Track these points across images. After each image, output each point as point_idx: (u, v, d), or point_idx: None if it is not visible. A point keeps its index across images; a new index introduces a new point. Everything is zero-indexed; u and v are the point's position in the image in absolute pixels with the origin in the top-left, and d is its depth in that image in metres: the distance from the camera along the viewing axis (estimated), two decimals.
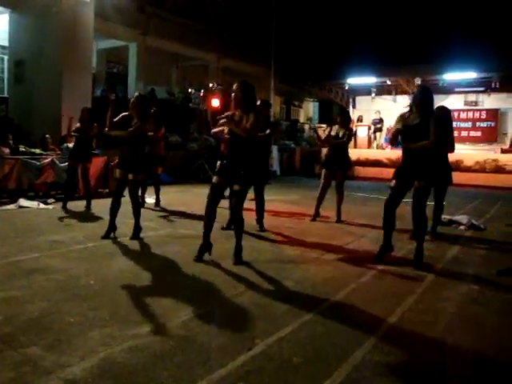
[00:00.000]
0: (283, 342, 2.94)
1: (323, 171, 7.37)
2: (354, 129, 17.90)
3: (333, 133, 7.28)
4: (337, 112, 24.39)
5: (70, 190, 8.33)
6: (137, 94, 6.15)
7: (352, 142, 8.25)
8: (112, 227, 5.73)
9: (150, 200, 8.70)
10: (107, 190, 9.59)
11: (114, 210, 5.69)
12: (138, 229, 5.77)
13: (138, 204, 5.87)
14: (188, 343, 2.86)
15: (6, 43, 13.06)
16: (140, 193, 7.20)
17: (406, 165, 4.93)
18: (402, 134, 4.91)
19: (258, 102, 6.47)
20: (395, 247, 5.20)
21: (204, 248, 4.78)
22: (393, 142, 5.17)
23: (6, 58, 13.70)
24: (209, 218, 4.75)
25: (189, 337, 2.95)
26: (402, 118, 4.92)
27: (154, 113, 7.58)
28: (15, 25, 12.38)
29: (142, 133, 5.72)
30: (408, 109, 4.98)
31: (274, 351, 2.81)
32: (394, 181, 4.97)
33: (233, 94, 4.78)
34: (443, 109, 6.17)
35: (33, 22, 11.76)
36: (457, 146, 6.81)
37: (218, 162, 4.82)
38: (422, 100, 4.81)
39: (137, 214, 5.76)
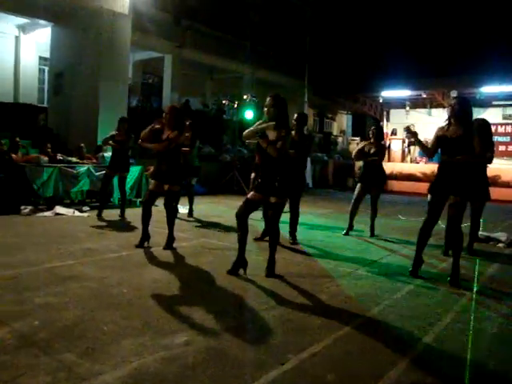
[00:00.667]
0: (316, 357, 2.89)
1: (358, 185, 7.25)
2: (388, 142, 17.73)
3: (366, 149, 7.17)
4: (370, 125, 24.29)
5: (105, 198, 8.46)
6: (170, 105, 6.21)
7: (386, 156, 8.10)
8: (145, 236, 5.79)
9: (183, 210, 8.76)
10: (141, 199, 9.71)
11: (146, 219, 5.74)
12: (171, 239, 5.79)
13: (173, 214, 5.88)
14: (221, 355, 2.84)
15: (47, 55, 13.50)
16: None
17: (441, 179, 4.78)
18: (442, 146, 4.78)
19: (296, 115, 6.49)
20: (431, 264, 5.08)
21: (238, 264, 4.70)
22: (431, 154, 5.01)
23: (46, 69, 14.13)
24: (242, 231, 4.68)
25: (221, 349, 2.93)
26: (442, 131, 4.80)
27: (189, 124, 7.66)
28: (56, 38, 12.80)
29: (177, 144, 5.75)
30: (446, 122, 4.85)
31: (306, 367, 2.76)
32: (429, 195, 4.86)
33: (265, 109, 4.73)
34: (483, 121, 6.03)
35: (73, 35, 12.13)
36: (494, 160, 6.65)
37: (253, 174, 4.80)
38: (462, 111, 4.66)
39: (171, 224, 5.78)
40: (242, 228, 4.67)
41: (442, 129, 4.83)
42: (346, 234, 7.26)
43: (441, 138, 4.77)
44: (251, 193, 4.75)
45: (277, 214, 4.69)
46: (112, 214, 8.09)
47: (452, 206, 4.71)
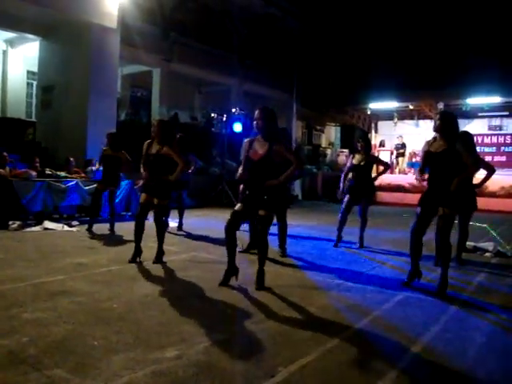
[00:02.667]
0: (306, 369, 2.90)
1: (346, 196, 7.26)
2: (376, 154, 17.85)
3: (355, 161, 7.23)
4: (358, 137, 24.45)
5: (96, 212, 8.44)
6: (158, 118, 6.21)
7: (374, 167, 8.21)
8: (138, 251, 5.75)
9: (173, 224, 8.76)
10: (130, 213, 9.71)
11: (139, 233, 5.73)
12: (160, 252, 5.78)
13: (162, 228, 5.87)
14: (210, 369, 2.84)
15: (35, 69, 13.50)
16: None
17: (430, 191, 4.85)
18: (428, 161, 4.86)
19: None
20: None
21: (230, 272, 4.74)
22: (421, 171, 5.07)
23: (35, 83, 14.12)
24: (230, 243, 4.70)
25: (211, 362, 2.93)
26: (427, 146, 4.89)
27: (179, 138, 7.66)
28: (44, 52, 12.83)
29: (166, 158, 5.72)
30: (433, 136, 4.91)
31: (296, 379, 2.78)
32: (418, 208, 4.91)
33: (254, 122, 4.75)
34: (465, 133, 6.12)
35: (61, 49, 12.17)
36: (481, 171, 6.72)
37: (241, 186, 4.80)
38: (445, 126, 4.72)
39: (161, 238, 5.77)
40: (229, 240, 4.68)
41: (427, 144, 4.91)
42: (336, 245, 7.29)
43: (427, 153, 4.85)
44: (238, 204, 4.76)
45: (265, 227, 4.70)
46: (102, 229, 8.07)
47: (441, 218, 4.76)
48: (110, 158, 8.05)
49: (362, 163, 7.18)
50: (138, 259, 5.72)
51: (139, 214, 5.84)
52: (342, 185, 7.32)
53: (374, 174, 7.56)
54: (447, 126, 4.73)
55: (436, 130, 4.79)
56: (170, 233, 7.99)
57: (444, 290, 4.71)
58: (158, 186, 5.69)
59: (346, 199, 7.27)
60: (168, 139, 5.74)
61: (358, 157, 7.25)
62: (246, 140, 4.90)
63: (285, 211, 6.55)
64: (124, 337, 3.27)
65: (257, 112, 4.72)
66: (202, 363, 2.92)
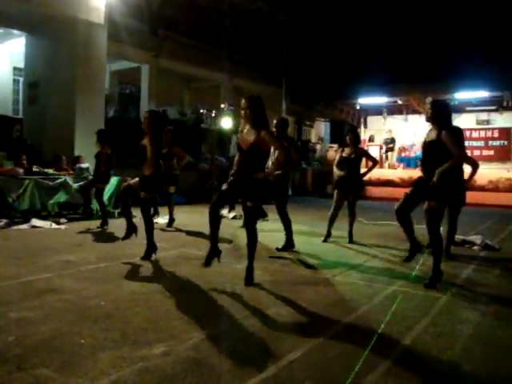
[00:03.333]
0: (294, 365, 2.89)
1: (335, 192, 7.30)
2: (365, 149, 17.89)
3: (345, 154, 7.25)
4: (347, 131, 24.48)
5: (88, 209, 8.46)
6: (148, 110, 6.18)
7: (363, 162, 8.24)
8: (132, 228, 5.81)
9: (162, 220, 8.72)
10: (119, 210, 9.64)
11: (126, 208, 5.84)
12: (150, 248, 5.71)
13: (150, 222, 5.79)
14: (199, 365, 2.83)
15: (21, 65, 13.35)
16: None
17: (423, 178, 4.82)
18: (422, 151, 4.93)
19: (275, 121, 6.54)
20: (408, 267, 5.14)
21: (212, 254, 4.73)
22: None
23: (21, 79, 13.97)
24: (213, 223, 4.69)
25: (199, 359, 2.92)
26: (424, 137, 4.94)
27: (166, 131, 7.63)
28: (31, 47, 12.68)
29: (156, 151, 5.68)
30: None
31: (285, 374, 2.77)
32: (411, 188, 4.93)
33: (241, 111, 4.71)
34: (455, 128, 6.13)
35: (47, 45, 12.03)
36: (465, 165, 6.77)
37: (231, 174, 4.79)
38: (435, 115, 4.75)
39: (149, 234, 5.70)
40: (212, 219, 4.68)
41: (426, 134, 4.94)
42: (325, 240, 7.30)
43: (422, 144, 4.91)
44: (224, 185, 4.75)
45: (252, 218, 4.68)
46: (88, 226, 8.02)
47: (428, 211, 4.76)
48: (97, 155, 8.08)
49: (352, 156, 7.20)
50: (133, 236, 5.83)
51: (121, 191, 5.92)
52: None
53: (363, 170, 7.56)
54: (438, 114, 4.74)
55: (427, 119, 4.83)
56: (159, 229, 7.94)
57: (435, 282, 4.71)
58: (145, 179, 5.66)
59: (335, 195, 7.28)
60: (158, 131, 5.73)
61: (346, 150, 7.28)
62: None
63: (283, 206, 6.50)
64: (111, 334, 3.25)
65: (243, 101, 4.67)
66: (190, 360, 2.90)
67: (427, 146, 4.77)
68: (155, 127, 5.70)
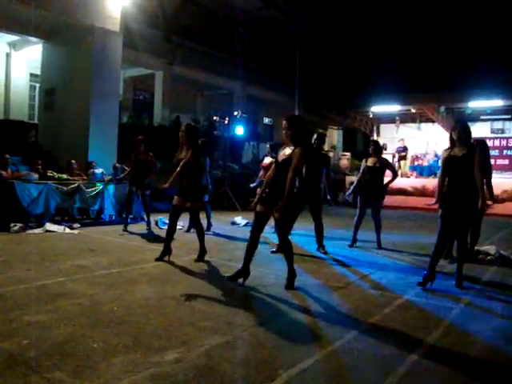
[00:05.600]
0: (306, 373, 2.88)
1: (359, 198, 7.49)
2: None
3: (369, 163, 7.44)
4: (361, 140, 24.43)
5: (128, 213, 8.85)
6: (186, 123, 6.52)
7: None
8: (167, 250, 5.94)
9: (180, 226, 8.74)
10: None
11: (170, 234, 5.96)
12: (203, 251, 6.03)
13: (200, 229, 6.10)
14: (211, 372, 2.83)
15: (38, 72, 13.55)
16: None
17: (450, 194, 5.04)
18: (450, 165, 5.08)
19: (315, 135, 7.09)
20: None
21: (241, 273, 4.86)
22: (442, 181, 5.21)
23: (37, 86, 14.16)
24: (251, 242, 4.86)
25: (211, 366, 2.92)
26: (447, 153, 5.12)
27: (201, 143, 7.94)
28: (47, 55, 12.86)
29: (194, 163, 5.90)
30: (449, 146, 5.16)
31: (297, 382, 2.76)
32: (440, 210, 5.12)
33: (283, 132, 4.79)
34: (482, 142, 6.46)
35: (64, 52, 12.19)
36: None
37: (258, 189, 4.89)
38: (466, 134, 5.01)
39: (201, 239, 6.05)
40: (252, 240, 4.87)
41: (447, 151, 5.15)
42: (351, 246, 7.51)
43: (448, 158, 5.08)
44: (258, 206, 4.84)
45: (281, 229, 4.86)
46: (101, 231, 8.07)
47: (461, 220, 5.04)
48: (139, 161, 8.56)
49: (376, 165, 7.39)
50: (167, 258, 5.92)
51: (171, 214, 6.04)
52: (352, 187, 7.67)
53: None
54: (466, 133, 5.02)
55: (457, 139, 5.02)
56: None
57: (461, 282, 5.13)
58: (189, 190, 5.91)
59: (359, 203, 7.47)
60: (195, 144, 5.98)
61: (370, 160, 7.48)
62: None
63: (317, 211, 6.90)
64: (124, 339, 3.26)
65: (284, 122, 4.77)
66: (202, 366, 2.90)
67: (459, 160, 4.95)
68: (194, 141, 5.98)
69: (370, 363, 3.08)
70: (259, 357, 3.10)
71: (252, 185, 8.82)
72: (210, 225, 8.92)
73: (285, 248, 4.92)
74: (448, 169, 5.11)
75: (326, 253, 6.89)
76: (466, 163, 4.92)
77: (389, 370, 2.98)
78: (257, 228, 4.86)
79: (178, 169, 5.83)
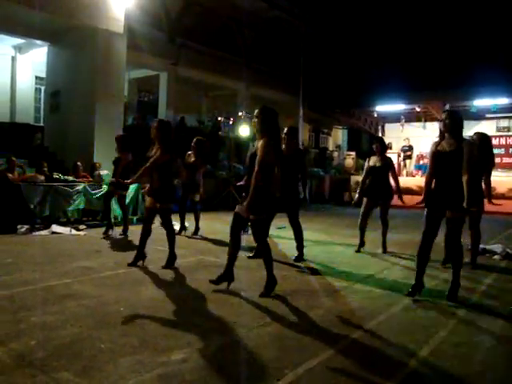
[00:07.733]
0: (313, 373, 2.89)
1: (364, 199, 7.15)
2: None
3: (371, 163, 7.15)
4: (366, 140, 24.39)
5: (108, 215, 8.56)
6: (157, 119, 6.17)
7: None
8: (141, 255, 5.71)
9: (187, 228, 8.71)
10: (137, 217, 9.73)
11: (144, 237, 5.69)
12: (172, 257, 5.71)
13: (171, 233, 5.78)
14: (217, 372, 2.85)
15: (43, 74, 13.61)
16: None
17: (437, 192, 4.66)
18: (438, 161, 4.66)
19: (286, 129, 6.46)
20: (430, 275, 5.09)
21: (224, 277, 4.70)
22: (432, 175, 4.76)
23: (43, 88, 14.23)
24: (233, 247, 4.70)
25: (218, 366, 2.94)
26: (435, 146, 4.71)
27: (197, 142, 8.19)
28: (52, 57, 12.92)
29: (165, 162, 5.62)
30: (438, 136, 4.78)
31: (303, 382, 2.77)
32: (425, 210, 4.73)
33: (253, 121, 4.71)
34: (483, 135, 6.34)
35: (69, 55, 12.25)
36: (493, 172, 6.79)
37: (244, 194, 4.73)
38: (453, 126, 4.58)
39: (171, 243, 5.71)
40: (233, 244, 4.69)
41: (435, 144, 4.74)
42: (358, 250, 7.16)
43: (436, 154, 4.67)
44: (237, 206, 4.71)
45: (255, 232, 4.61)
46: (109, 233, 8.09)
47: (450, 221, 4.61)
48: (116, 160, 8.19)
49: (377, 164, 7.09)
50: (140, 263, 5.68)
51: (145, 217, 5.84)
52: (358, 191, 7.31)
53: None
54: (456, 124, 4.59)
55: (445, 129, 4.63)
56: (179, 236, 7.95)
57: (455, 294, 4.60)
58: (159, 190, 5.63)
59: (364, 203, 7.15)
60: (166, 141, 5.67)
61: (373, 159, 7.18)
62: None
63: (294, 214, 6.40)
64: (130, 340, 3.28)
65: (256, 111, 4.66)
66: (208, 366, 2.92)
67: (447, 156, 4.55)
68: (165, 138, 5.65)
69: (374, 363, 3.08)
70: (265, 357, 3.11)
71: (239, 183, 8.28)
72: (197, 229, 8.49)
73: (263, 252, 4.65)
74: (435, 165, 4.67)
75: (303, 260, 6.35)
76: (454, 160, 4.49)
77: (395, 369, 2.98)
78: (233, 230, 4.66)
79: (147, 164, 5.57)
